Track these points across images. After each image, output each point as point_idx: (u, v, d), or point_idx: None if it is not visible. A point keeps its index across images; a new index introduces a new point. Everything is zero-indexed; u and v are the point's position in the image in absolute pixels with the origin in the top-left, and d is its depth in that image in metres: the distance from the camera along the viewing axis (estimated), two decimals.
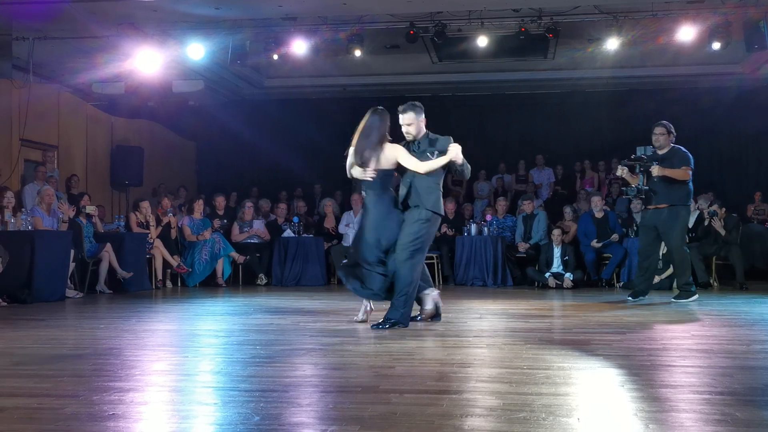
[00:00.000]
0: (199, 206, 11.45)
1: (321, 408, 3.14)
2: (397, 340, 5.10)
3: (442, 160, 5.75)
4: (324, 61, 12.53)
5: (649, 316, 6.54)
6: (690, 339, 5.13)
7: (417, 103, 5.96)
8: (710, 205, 10.50)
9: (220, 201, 12.23)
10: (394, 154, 5.75)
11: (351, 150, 5.82)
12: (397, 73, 14.03)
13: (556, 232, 10.68)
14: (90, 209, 9.88)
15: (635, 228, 10.85)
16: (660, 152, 7.74)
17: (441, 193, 5.92)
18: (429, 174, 5.75)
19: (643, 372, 3.85)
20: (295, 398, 3.31)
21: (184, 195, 13.15)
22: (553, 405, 3.07)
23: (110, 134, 13.25)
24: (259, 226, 11.75)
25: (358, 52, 11.78)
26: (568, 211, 11.67)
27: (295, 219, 11.83)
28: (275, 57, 11.84)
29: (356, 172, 5.81)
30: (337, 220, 12.19)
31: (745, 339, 5.05)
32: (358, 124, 5.87)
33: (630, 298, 7.92)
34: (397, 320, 5.66)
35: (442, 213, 6.02)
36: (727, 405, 3.04)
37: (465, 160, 5.85)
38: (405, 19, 11.24)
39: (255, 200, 12.84)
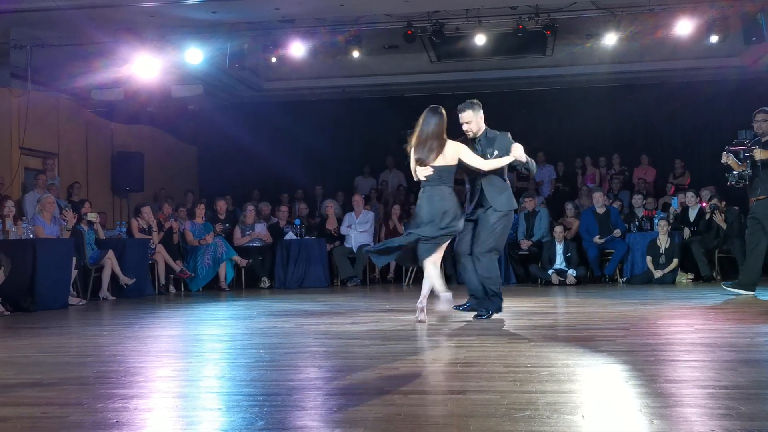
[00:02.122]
0: (200, 211, 11.45)
1: (325, 411, 3.13)
2: (401, 340, 5.10)
3: (505, 160, 5.85)
4: (323, 62, 12.54)
5: (652, 311, 6.54)
6: (693, 333, 5.13)
7: (475, 100, 6.09)
8: (711, 199, 10.49)
9: (221, 205, 12.22)
10: (456, 150, 5.79)
11: (411, 150, 5.85)
12: (396, 73, 14.03)
13: (558, 228, 10.67)
14: (91, 216, 9.88)
15: (637, 223, 10.85)
16: (763, 139, 7.54)
17: (510, 188, 6.10)
18: (493, 172, 5.87)
19: (647, 367, 3.84)
20: (299, 402, 3.30)
21: (192, 199, 13.13)
22: (557, 403, 3.06)
23: (110, 140, 13.25)
24: (261, 229, 11.75)
25: (356, 53, 11.78)
26: (569, 207, 11.68)
27: (297, 221, 11.83)
28: (273, 60, 11.85)
29: (418, 171, 5.83)
30: (339, 221, 12.20)
31: (748, 332, 5.03)
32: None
33: (737, 289, 7.72)
34: (496, 309, 5.99)
35: (515, 207, 6.18)
36: (731, 399, 3.04)
37: (528, 158, 5.94)
38: (402, 19, 11.24)
39: (256, 203, 12.85)
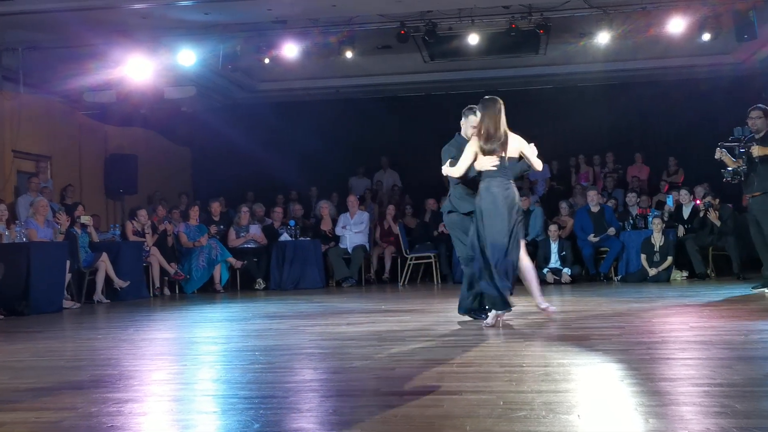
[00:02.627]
0: (194, 213, 11.43)
1: (321, 413, 3.13)
2: (397, 341, 5.09)
3: (533, 157, 5.79)
4: (316, 63, 12.53)
5: (647, 309, 6.55)
6: (688, 331, 5.13)
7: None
8: (704, 197, 10.51)
9: (215, 207, 12.20)
10: (520, 145, 5.77)
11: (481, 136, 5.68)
12: (390, 73, 14.02)
13: (552, 227, 10.69)
14: (85, 219, 9.85)
15: (631, 221, 10.87)
16: (757, 136, 7.52)
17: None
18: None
19: (643, 366, 3.84)
20: (295, 404, 3.30)
21: (186, 201, 13.11)
22: (553, 402, 3.06)
23: (104, 143, 13.22)
24: (255, 230, 11.74)
25: (349, 54, 11.78)
26: (564, 206, 11.69)
27: (292, 222, 11.82)
28: (266, 61, 11.84)
29: (485, 161, 5.64)
30: (334, 222, 12.19)
31: (743, 329, 5.04)
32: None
33: (767, 290, 7.62)
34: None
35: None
36: (726, 396, 3.04)
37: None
38: (395, 19, 11.24)
39: (250, 205, 12.83)
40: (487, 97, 5.83)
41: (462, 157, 5.74)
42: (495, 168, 5.62)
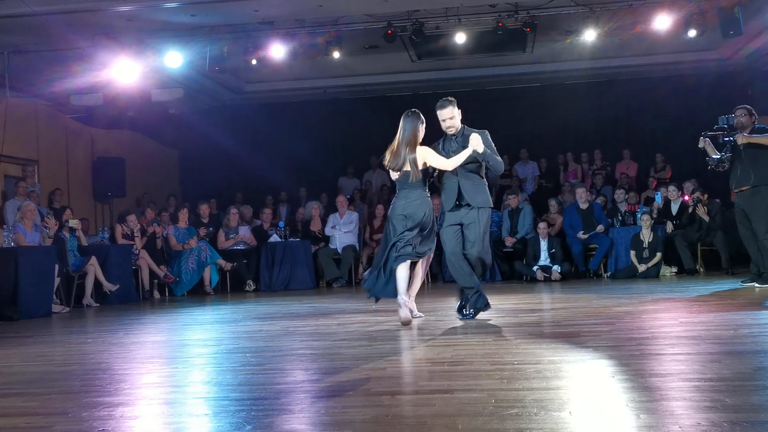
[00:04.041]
0: (183, 215, 11.40)
1: (313, 414, 3.12)
2: (388, 341, 5.09)
3: (464, 154, 5.84)
4: (303, 64, 12.51)
5: (637, 305, 6.57)
6: (678, 326, 5.16)
7: (450, 98, 6.09)
8: (693, 192, 10.57)
9: (204, 209, 12.17)
10: (423, 155, 5.87)
11: (387, 154, 5.96)
12: (377, 73, 14.04)
13: (542, 225, 10.72)
14: (73, 223, 9.81)
15: (620, 218, 10.91)
16: (742, 132, 7.57)
17: (487, 187, 6.11)
18: (470, 170, 5.94)
19: (633, 362, 3.86)
20: (286, 405, 3.29)
21: (174, 204, 13.07)
22: (544, 399, 3.07)
23: (91, 146, 13.17)
24: (245, 232, 11.71)
25: (336, 54, 11.77)
26: (553, 203, 11.72)
27: (281, 224, 11.80)
28: (254, 62, 11.81)
29: (393, 175, 6.02)
30: (323, 222, 12.17)
31: (732, 324, 5.07)
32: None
33: (756, 284, 7.66)
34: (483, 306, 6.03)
35: (491, 206, 6.17)
36: (716, 391, 3.06)
37: (488, 150, 5.90)
38: (382, 18, 11.24)
39: (239, 206, 12.81)
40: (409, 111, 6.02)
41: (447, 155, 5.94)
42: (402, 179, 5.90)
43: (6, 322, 7.77)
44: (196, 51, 11.25)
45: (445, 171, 5.98)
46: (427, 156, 5.89)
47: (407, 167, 5.86)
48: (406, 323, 5.74)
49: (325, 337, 5.48)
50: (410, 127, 5.89)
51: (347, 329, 5.83)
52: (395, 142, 5.94)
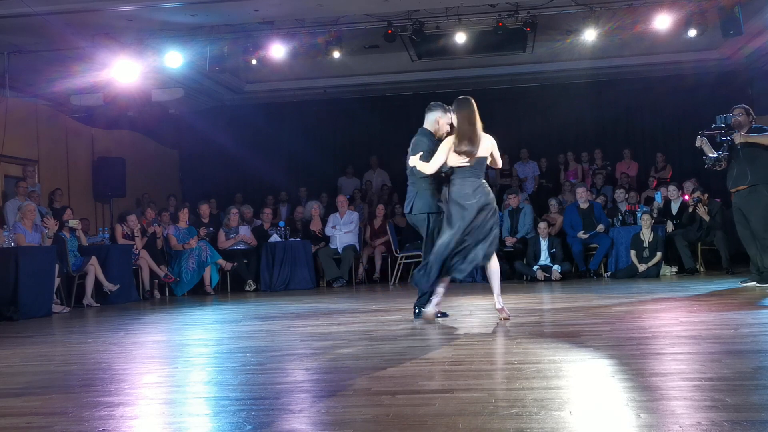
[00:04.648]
0: (184, 215, 11.39)
1: (313, 413, 3.12)
2: (388, 341, 5.09)
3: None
4: (303, 63, 12.51)
5: (637, 305, 6.57)
6: (678, 326, 5.16)
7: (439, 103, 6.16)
8: (693, 192, 10.57)
9: (204, 209, 12.17)
10: (492, 143, 5.86)
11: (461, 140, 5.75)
12: (378, 72, 14.03)
13: (542, 224, 10.72)
14: (73, 223, 9.81)
15: (620, 218, 10.91)
16: (740, 131, 7.58)
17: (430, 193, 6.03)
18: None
19: (633, 361, 3.86)
20: (287, 405, 3.29)
21: (174, 204, 13.07)
22: (545, 399, 3.07)
23: (91, 146, 13.16)
24: (245, 231, 11.71)
25: (337, 54, 11.76)
26: (553, 203, 11.72)
27: (281, 223, 11.80)
28: (254, 62, 11.81)
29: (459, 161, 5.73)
30: (324, 222, 12.17)
31: (732, 323, 5.07)
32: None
33: (758, 283, 7.59)
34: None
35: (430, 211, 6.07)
36: (716, 391, 3.06)
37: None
38: (382, 18, 11.23)
39: (239, 206, 12.81)
40: (460, 97, 5.91)
41: (436, 154, 5.79)
42: (467, 166, 5.71)
43: (6, 322, 7.77)
44: (196, 51, 11.25)
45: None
46: (494, 148, 5.85)
47: (482, 153, 5.76)
48: (430, 320, 5.77)
49: (326, 336, 5.48)
50: (474, 112, 5.78)
51: (347, 329, 5.83)
52: (476, 127, 5.73)
